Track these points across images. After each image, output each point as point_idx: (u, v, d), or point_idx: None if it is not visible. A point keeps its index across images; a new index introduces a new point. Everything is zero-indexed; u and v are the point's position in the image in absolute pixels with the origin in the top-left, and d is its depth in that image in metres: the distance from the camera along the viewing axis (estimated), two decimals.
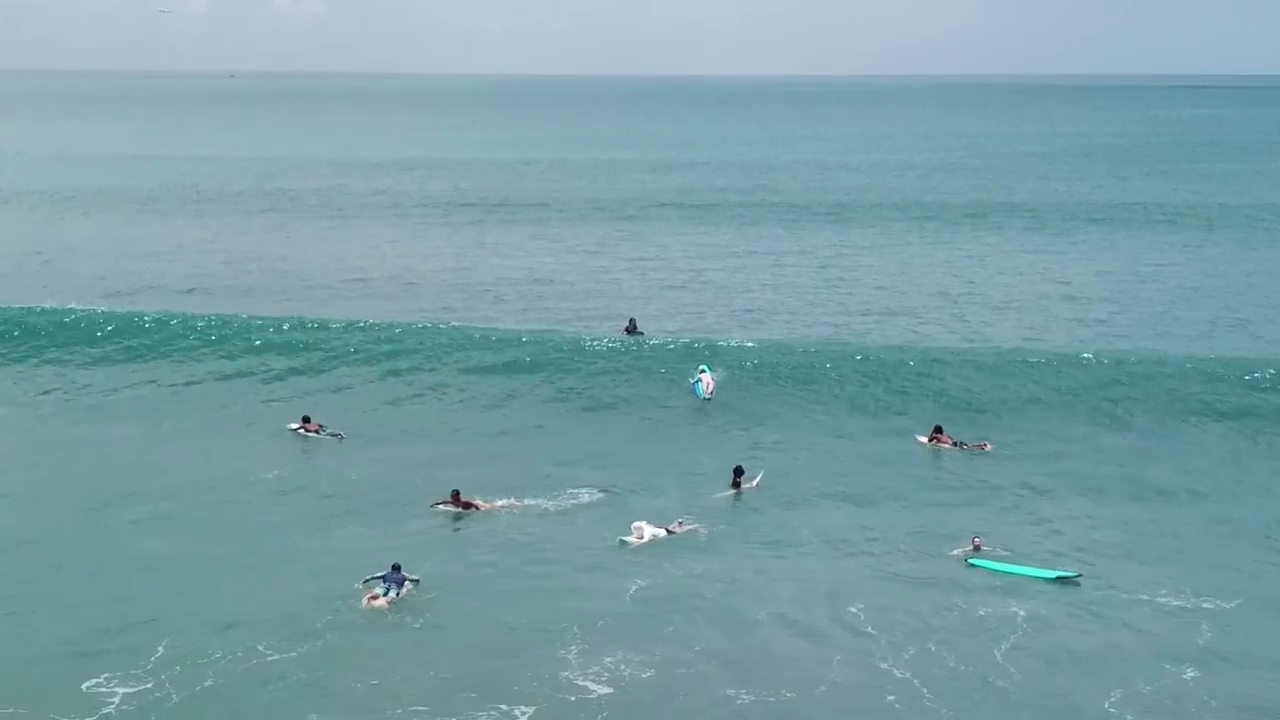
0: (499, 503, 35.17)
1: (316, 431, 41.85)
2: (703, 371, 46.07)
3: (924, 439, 41.32)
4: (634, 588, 29.82)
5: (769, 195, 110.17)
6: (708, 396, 45.08)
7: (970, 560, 32.01)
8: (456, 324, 54.35)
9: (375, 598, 29.05)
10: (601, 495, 36.22)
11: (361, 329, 52.90)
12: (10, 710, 23.99)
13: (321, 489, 36.90)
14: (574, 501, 35.70)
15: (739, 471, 37.25)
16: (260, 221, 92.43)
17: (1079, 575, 31.11)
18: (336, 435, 41.49)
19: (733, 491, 36.73)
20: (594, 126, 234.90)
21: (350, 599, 29.04)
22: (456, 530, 33.70)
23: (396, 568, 29.81)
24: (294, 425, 42.12)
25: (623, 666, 25.87)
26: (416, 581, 29.62)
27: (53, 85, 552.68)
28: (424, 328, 53.20)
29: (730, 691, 24.99)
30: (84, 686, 24.91)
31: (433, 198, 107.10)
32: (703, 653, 26.69)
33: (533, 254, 77.79)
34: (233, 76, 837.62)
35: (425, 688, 25.10)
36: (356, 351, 50.67)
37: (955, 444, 40.83)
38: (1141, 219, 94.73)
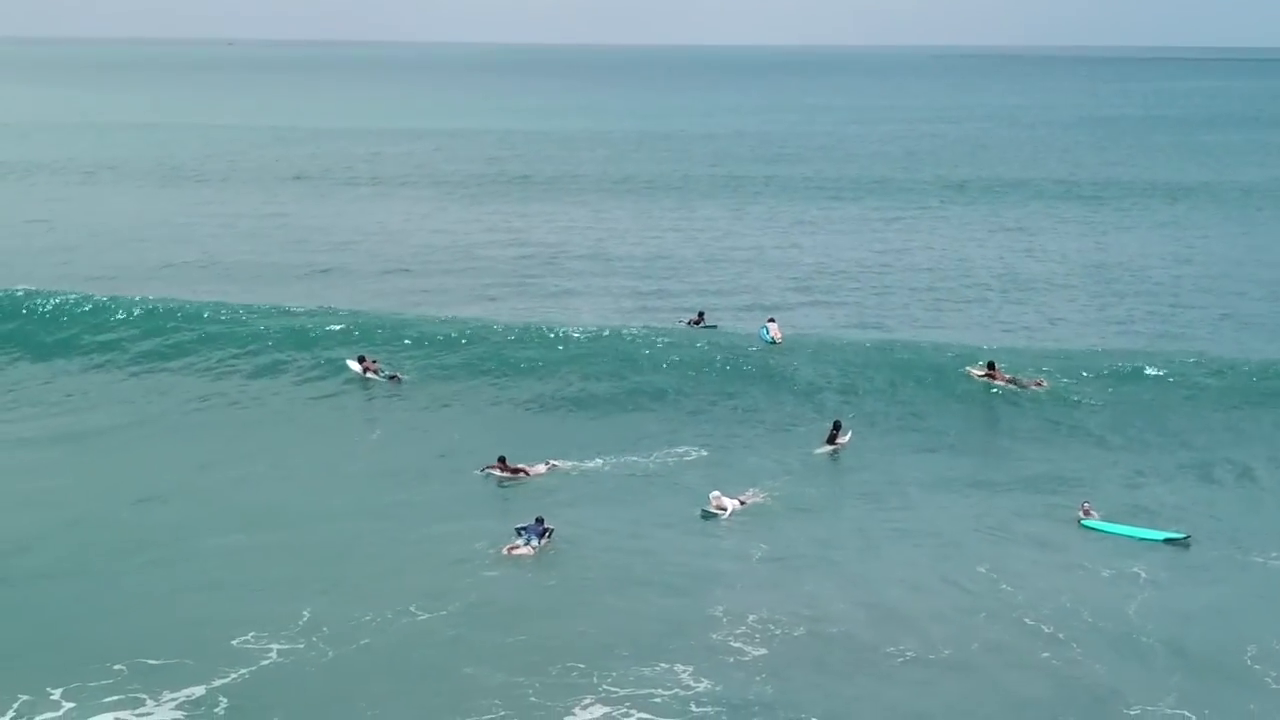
0: (540, 467, 35.18)
1: (376, 373, 42.60)
2: (770, 320, 46.72)
3: (978, 371, 41.48)
4: (758, 551, 29.99)
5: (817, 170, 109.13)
6: (775, 340, 45.69)
7: (1082, 522, 32.25)
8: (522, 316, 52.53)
9: (516, 548, 29.48)
10: (699, 456, 36.47)
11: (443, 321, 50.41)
12: (166, 661, 24.16)
13: (419, 451, 37.31)
14: (672, 462, 35.93)
15: (837, 426, 37.36)
16: (327, 196, 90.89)
17: (1188, 537, 31.38)
18: (394, 377, 42.28)
19: (829, 448, 36.84)
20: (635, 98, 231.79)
21: (483, 557, 29.32)
22: (559, 491, 33.79)
23: (540, 520, 30.28)
24: (353, 364, 42.95)
25: (771, 626, 25.99)
26: (551, 531, 30.08)
27: (44, 53, 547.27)
28: (485, 324, 49.93)
29: (889, 649, 25.16)
30: (233, 643, 25.16)
31: (459, 173, 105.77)
32: (847, 611, 26.87)
33: (595, 228, 77.25)
34: (231, 45, 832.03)
35: (577, 644, 25.22)
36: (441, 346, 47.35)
37: (1010, 380, 40.91)
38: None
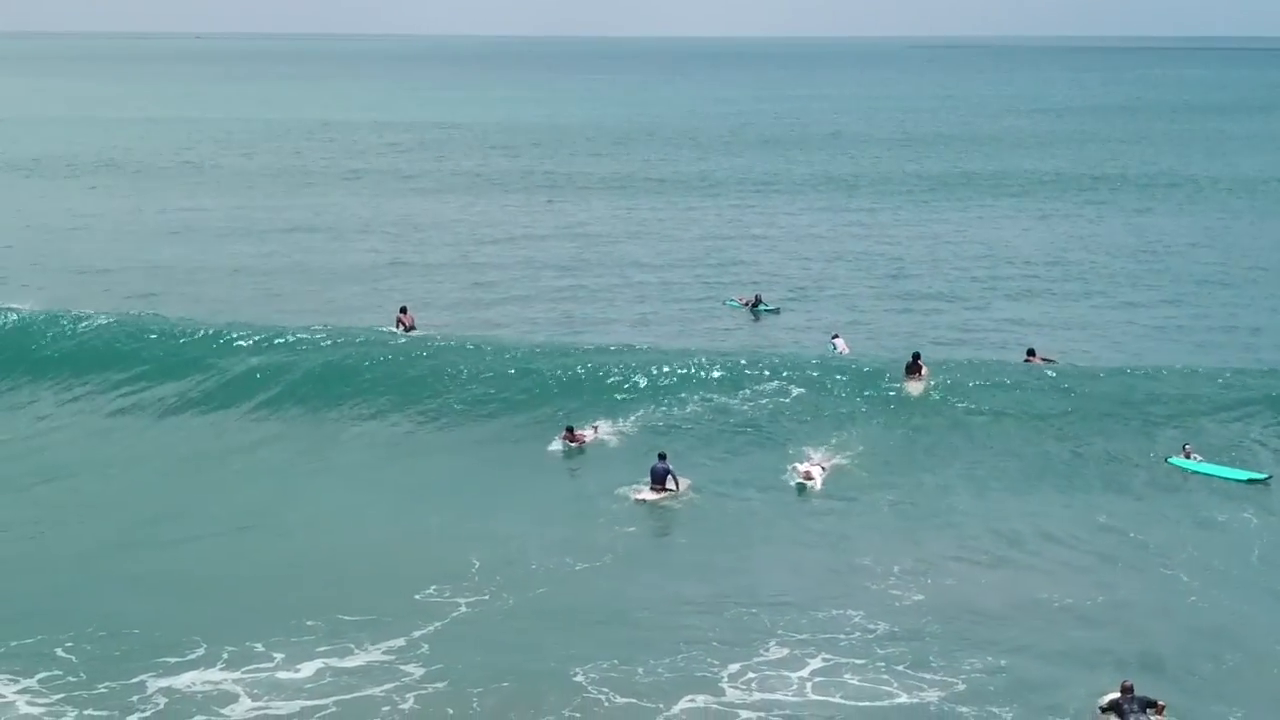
0: (588, 432, 35.65)
1: (411, 326, 43.39)
2: (836, 337, 45.85)
3: (1018, 359, 41.86)
4: (869, 506, 31.22)
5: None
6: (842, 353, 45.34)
7: (1169, 459, 33.64)
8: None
9: (641, 493, 31.12)
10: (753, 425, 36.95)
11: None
12: (361, 617, 25.24)
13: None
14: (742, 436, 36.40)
15: (917, 356, 38.41)
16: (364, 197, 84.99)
17: (1269, 477, 32.70)
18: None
19: (913, 382, 37.88)
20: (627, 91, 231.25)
21: (611, 512, 30.88)
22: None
23: (662, 456, 31.91)
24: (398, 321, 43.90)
25: (919, 575, 27.37)
26: (675, 476, 31.53)
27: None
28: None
29: (1040, 595, 26.49)
30: (416, 597, 26.39)
31: (463, 169, 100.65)
32: (982, 560, 28.24)
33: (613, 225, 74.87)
34: (199, 38, 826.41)
35: (742, 592, 26.53)
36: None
37: (1044, 360, 41.40)
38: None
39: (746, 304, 51.97)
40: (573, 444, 34.90)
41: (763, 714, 22.08)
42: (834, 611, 25.65)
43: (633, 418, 37.13)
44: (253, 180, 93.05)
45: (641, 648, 24.20)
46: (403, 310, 44.40)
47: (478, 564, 27.75)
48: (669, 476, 31.65)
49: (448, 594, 26.45)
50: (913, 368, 38.42)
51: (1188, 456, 33.80)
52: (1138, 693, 21.60)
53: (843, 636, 24.62)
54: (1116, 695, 21.66)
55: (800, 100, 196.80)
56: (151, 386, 40.51)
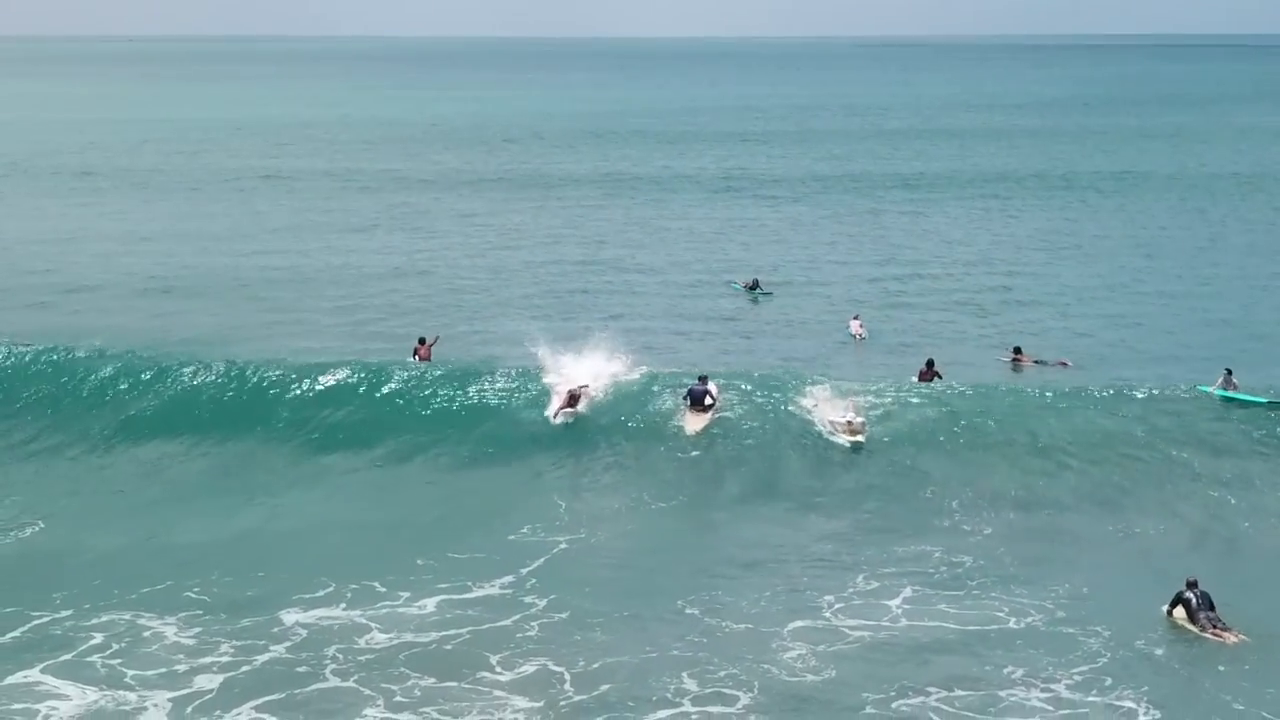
0: (588, 389, 34.36)
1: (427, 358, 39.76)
2: (855, 318, 46.73)
3: (1005, 357, 42.75)
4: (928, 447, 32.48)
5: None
6: (861, 337, 46.04)
7: (1202, 387, 34.86)
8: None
9: (690, 423, 32.81)
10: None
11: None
12: (470, 556, 26.69)
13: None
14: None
15: (930, 364, 38.39)
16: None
17: None
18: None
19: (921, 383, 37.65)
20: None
21: (671, 449, 32.49)
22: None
23: (703, 379, 33.45)
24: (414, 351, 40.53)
25: (984, 511, 29.27)
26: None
27: None
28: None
29: (1109, 525, 28.50)
30: (511, 538, 27.78)
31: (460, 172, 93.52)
32: (1047, 504, 29.86)
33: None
34: (130, 41, 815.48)
35: (817, 532, 28.30)
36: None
37: (1035, 361, 42.20)
38: None
39: (747, 286, 53.52)
40: (571, 409, 33.40)
41: (869, 634, 23.57)
42: (911, 545, 27.33)
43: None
44: (147, 184, 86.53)
45: (737, 582, 25.69)
46: (421, 341, 40.38)
47: (563, 505, 29.35)
48: (707, 395, 32.81)
49: (542, 534, 27.98)
50: (926, 374, 38.27)
51: (1226, 387, 34.55)
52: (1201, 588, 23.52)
53: (927, 569, 26.24)
54: (1182, 589, 23.59)
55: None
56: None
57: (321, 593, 25.01)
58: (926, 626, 23.92)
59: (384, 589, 25.23)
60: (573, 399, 33.66)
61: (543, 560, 26.65)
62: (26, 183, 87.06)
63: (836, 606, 24.71)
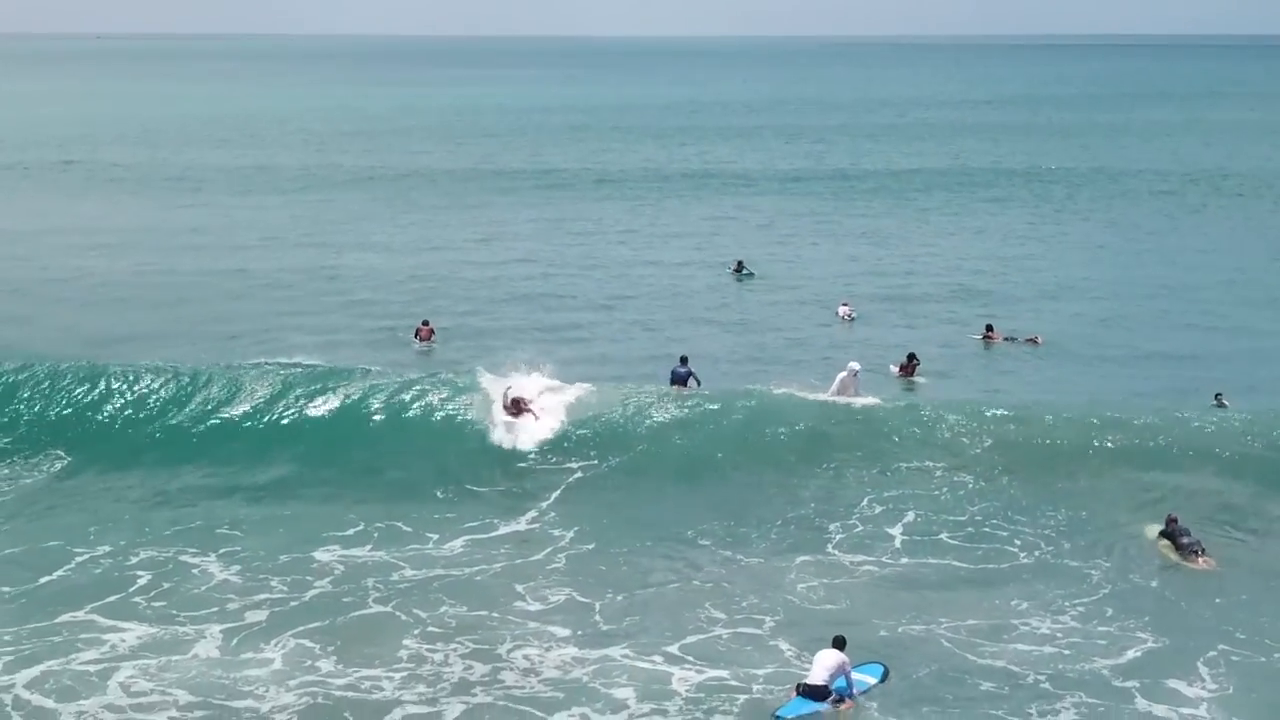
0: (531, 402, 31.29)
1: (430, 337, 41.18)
2: (844, 304, 47.02)
3: (976, 335, 43.20)
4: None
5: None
6: (850, 318, 46.36)
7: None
8: None
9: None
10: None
11: None
12: (488, 489, 28.15)
13: None
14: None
15: (912, 358, 38.63)
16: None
17: None
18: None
19: (902, 377, 38.34)
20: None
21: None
22: None
23: (683, 360, 33.95)
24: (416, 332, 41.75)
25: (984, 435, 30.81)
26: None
27: None
28: None
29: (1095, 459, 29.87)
30: (521, 465, 29.31)
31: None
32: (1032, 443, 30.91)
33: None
34: (99, 39, 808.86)
35: (817, 472, 29.71)
36: None
37: (1006, 339, 42.70)
38: None
39: (734, 270, 54.38)
40: (516, 417, 30.47)
41: (875, 568, 24.89)
42: (913, 485, 28.74)
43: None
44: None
45: (742, 516, 27.01)
46: (423, 323, 41.78)
47: (579, 449, 30.42)
48: (690, 378, 33.28)
49: (554, 461, 29.42)
50: (906, 367, 38.72)
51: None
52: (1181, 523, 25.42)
53: (932, 506, 27.68)
54: (1162, 526, 25.54)
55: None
56: None
57: (351, 531, 26.12)
58: (932, 563, 25.12)
59: (410, 529, 26.33)
60: (517, 406, 30.52)
61: (559, 490, 28.10)
62: None
63: (839, 539, 26.06)
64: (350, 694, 20.02)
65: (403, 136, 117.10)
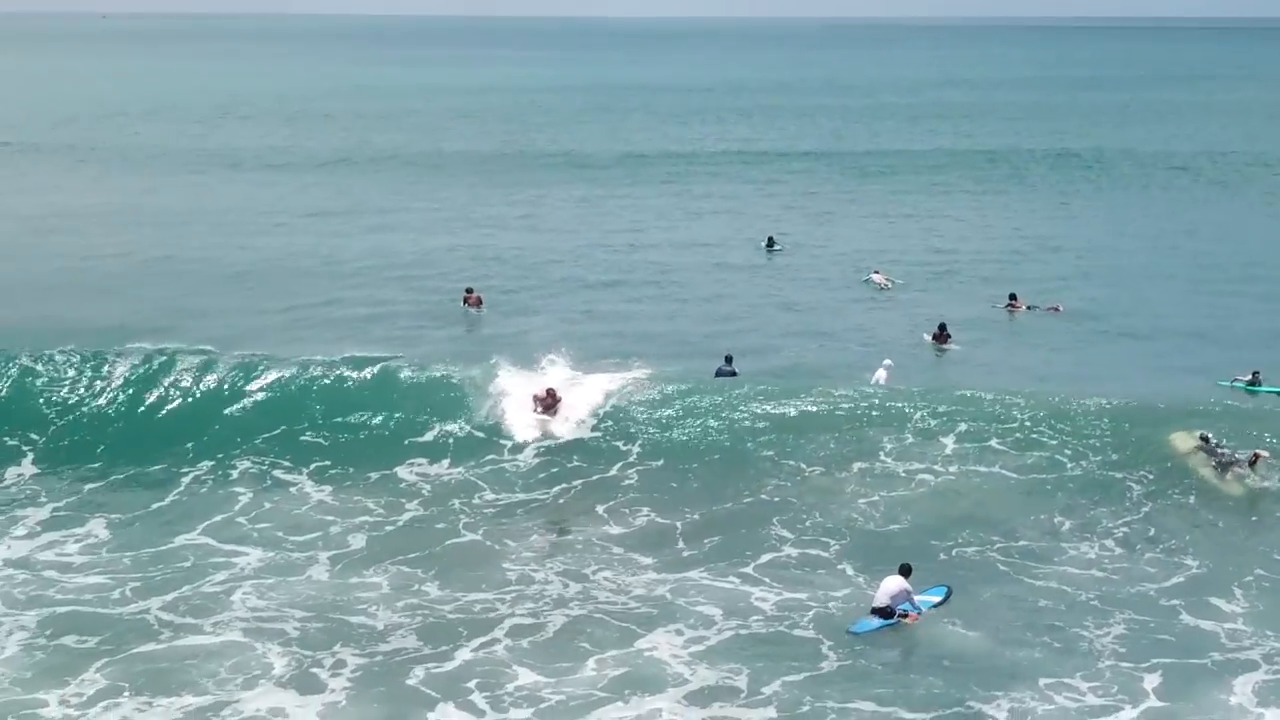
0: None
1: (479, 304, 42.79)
2: (876, 271, 48.03)
3: (1000, 305, 44.40)
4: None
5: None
6: (888, 284, 47.59)
7: (1246, 387, 35.21)
8: None
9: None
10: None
11: None
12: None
13: None
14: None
15: (943, 327, 40.06)
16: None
17: None
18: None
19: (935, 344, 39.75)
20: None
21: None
22: None
23: (729, 358, 33.79)
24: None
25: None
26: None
27: None
28: None
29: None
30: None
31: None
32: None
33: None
34: (105, 17, 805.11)
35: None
36: None
37: (1029, 307, 44.05)
38: None
39: (766, 245, 55.80)
40: (546, 413, 28.98)
41: (930, 478, 26.74)
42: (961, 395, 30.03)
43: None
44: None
45: (802, 432, 28.43)
46: (469, 290, 43.47)
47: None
48: (734, 375, 32.95)
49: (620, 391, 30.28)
50: (939, 336, 40.10)
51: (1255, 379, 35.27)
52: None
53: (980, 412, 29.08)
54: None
55: None
56: None
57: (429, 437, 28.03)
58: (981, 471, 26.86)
59: (483, 435, 28.35)
60: (551, 399, 29.03)
61: (622, 408, 29.26)
62: None
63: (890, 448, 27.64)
64: (458, 615, 21.59)
65: (424, 117, 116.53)
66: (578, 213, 64.05)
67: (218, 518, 25.07)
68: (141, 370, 30.71)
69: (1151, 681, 19.69)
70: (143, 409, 29.75)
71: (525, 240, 55.62)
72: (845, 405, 29.41)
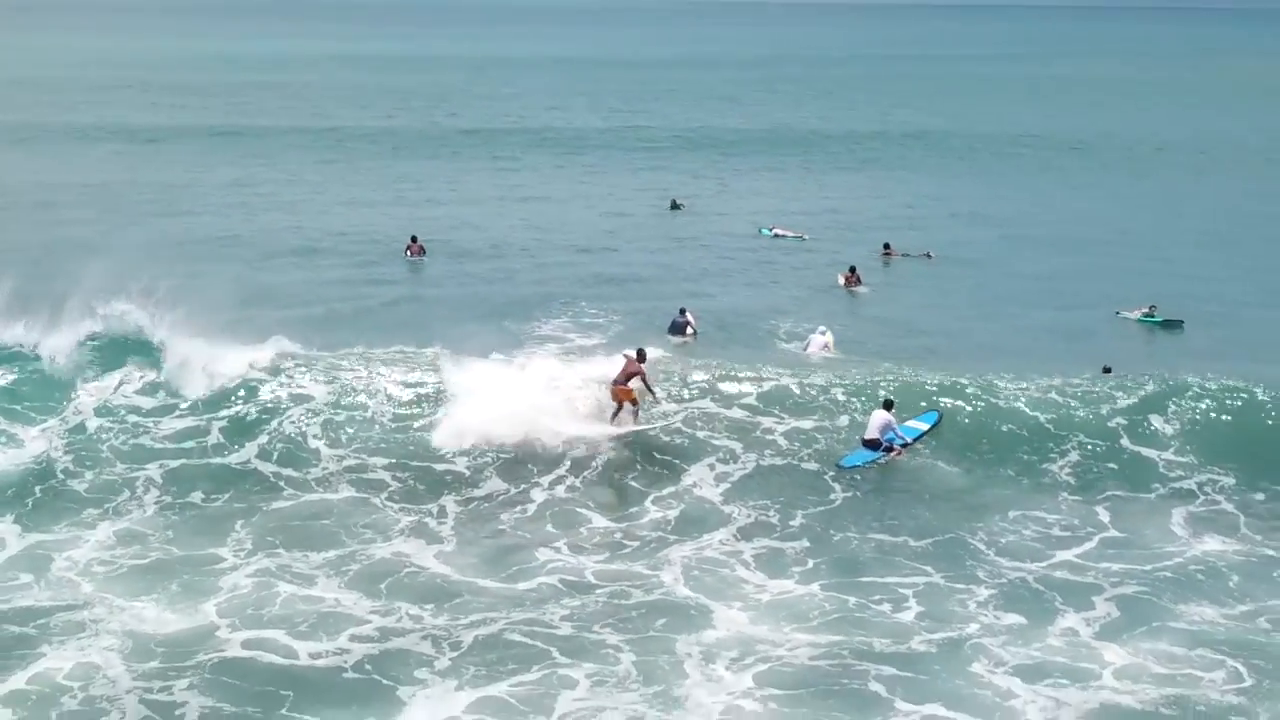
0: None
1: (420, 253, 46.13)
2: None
3: (878, 254, 48.47)
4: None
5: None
6: (784, 235, 52.61)
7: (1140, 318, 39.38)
8: None
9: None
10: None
11: None
12: None
13: None
14: None
15: (854, 269, 43.74)
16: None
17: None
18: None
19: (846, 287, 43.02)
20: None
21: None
22: None
23: (682, 311, 36.45)
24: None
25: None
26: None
27: None
28: None
29: None
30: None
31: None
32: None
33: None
34: None
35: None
36: None
37: (902, 254, 48.29)
38: None
39: (671, 205, 59.21)
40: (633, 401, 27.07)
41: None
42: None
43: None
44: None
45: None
46: (412, 239, 46.65)
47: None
48: (688, 325, 35.75)
49: None
50: (850, 278, 43.31)
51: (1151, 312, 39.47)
52: None
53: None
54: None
55: None
56: None
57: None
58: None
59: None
60: (628, 382, 26.90)
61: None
62: None
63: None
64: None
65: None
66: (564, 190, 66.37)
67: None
68: None
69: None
70: None
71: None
72: None
